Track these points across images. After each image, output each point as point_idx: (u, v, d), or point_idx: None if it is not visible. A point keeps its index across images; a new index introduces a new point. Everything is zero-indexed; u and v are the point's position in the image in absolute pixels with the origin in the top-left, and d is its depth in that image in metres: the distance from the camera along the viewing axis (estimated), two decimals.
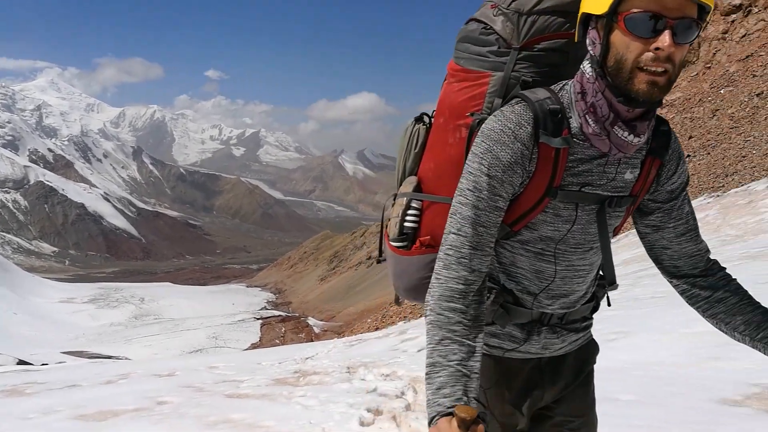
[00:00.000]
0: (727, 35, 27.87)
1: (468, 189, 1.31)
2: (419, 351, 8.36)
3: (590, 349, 1.66)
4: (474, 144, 1.33)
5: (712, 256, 1.52)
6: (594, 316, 1.64)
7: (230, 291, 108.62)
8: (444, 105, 1.53)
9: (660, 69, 1.16)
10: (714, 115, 20.92)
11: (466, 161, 1.34)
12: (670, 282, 1.56)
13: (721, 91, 22.32)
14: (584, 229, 1.41)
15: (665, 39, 1.13)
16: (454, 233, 1.31)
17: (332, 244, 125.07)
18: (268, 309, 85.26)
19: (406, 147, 1.67)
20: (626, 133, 1.26)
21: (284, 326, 64.67)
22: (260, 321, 68.55)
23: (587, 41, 1.28)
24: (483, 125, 1.33)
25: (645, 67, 1.16)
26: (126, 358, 38.81)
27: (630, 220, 1.55)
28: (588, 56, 1.29)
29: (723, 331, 1.46)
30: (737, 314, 1.42)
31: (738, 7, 28.06)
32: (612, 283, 1.56)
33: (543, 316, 1.51)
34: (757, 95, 19.92)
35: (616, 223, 1.47)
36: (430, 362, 1.23)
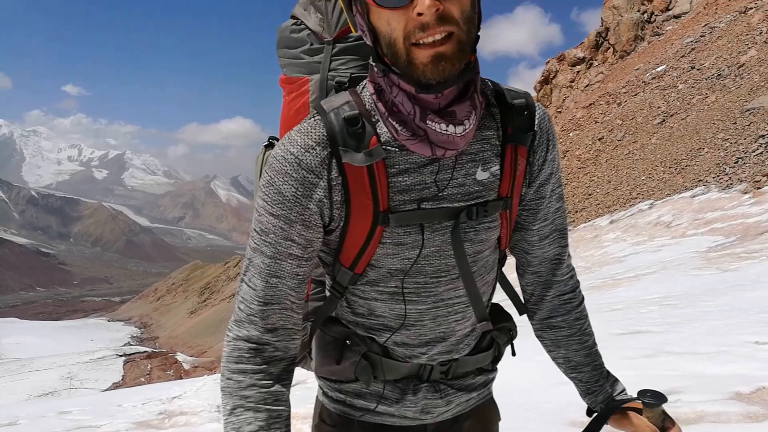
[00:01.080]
0: (573, 84, 31.17)
1: (255, 230, 1.08)
2: (296, 384, 8.24)
3: (489, 413, 1.36)
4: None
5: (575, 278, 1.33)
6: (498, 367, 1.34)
7: (88, 326, 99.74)
8: (280, 124, 1.33)
9: (438, 36, 0.91)
10: (565, 156, 23.11)
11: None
12: (521, 287, 1.35)
13: (570, 135, 24.75)
14: (441, 252, 1.12)
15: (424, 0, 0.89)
16: (245, 283, 1.09)
17: (203, 274, 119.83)
18: (132, 345, 79.27)
19: (258, 178, 1.40)
20: (444, 125, 0.99)
21: (150, 363, 60.37)
22: (123, 358, 63.39)
23: (358, 30, 1.05)
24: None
25: (419, 41, 0.92)
26: None
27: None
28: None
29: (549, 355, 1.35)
30: (561, 347, 1.30)
31: (582, 60, 31.54)
32: (482, 320, 1.20)
33: (421, 370, 1.21)
34: (599, 139, 22.32)
35: (494, 235, 1.16)
36: None
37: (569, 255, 1.31)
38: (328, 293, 1.23)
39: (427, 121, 0.99)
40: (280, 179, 1.04)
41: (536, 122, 1.15)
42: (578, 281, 1.34)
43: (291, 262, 1.07)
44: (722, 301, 6.40)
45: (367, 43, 1.02)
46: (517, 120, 1.11)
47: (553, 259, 1.28)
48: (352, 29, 1.06)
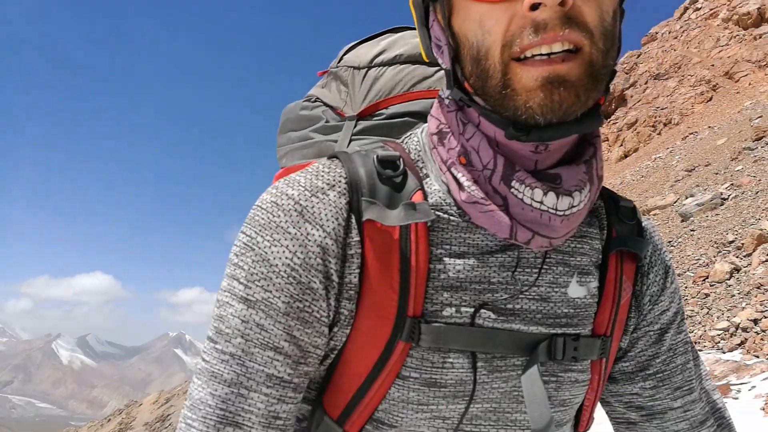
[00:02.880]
0: None
1: (210, 337, 0.66)
2: None
3: None
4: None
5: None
6: None
7: None
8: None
9: (558, 47, 0.57)
10: None
11: None
12: None
13: None
14: (499, 411, 0.70)
15: None
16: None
17: None
18: None
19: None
20: (540, 192, 0.63)
21: None
22: None
23: (434, 51, 0.71)
24: None
25: (527, 53, 0.58)
26: None
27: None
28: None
29: None
30: None
31: None
32: None
33: None
34: None
35: (578, 398, 0.75)
36: None
37: None
38: None
39: (513, 182, 0.64)
40: (267, 238, 0.65)
41: (646, 231, 0.80)
42: None
43: (268, 392, 0.64)
44: None
45: (442, 64, 0.69)
46: (622, 226, 0.77)
47: None
48: (423, 54, 0.74)
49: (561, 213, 0.63)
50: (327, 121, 0.94)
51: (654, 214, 12.48)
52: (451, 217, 0.68)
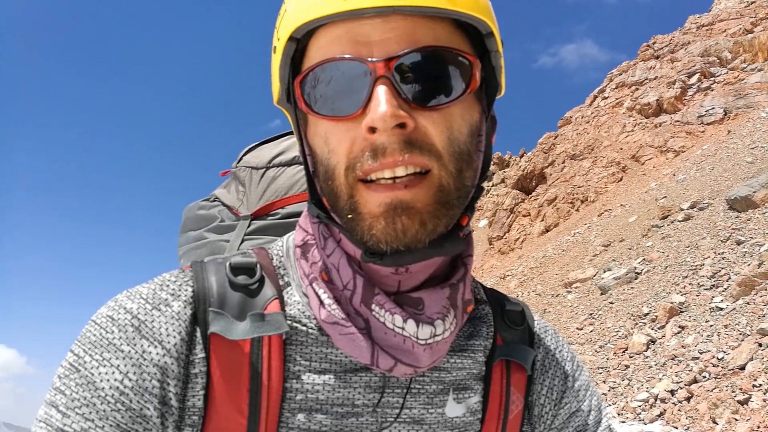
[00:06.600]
0: None
1: None
2: None
3: None
4: None
5: None
6: None
7: None
8: None
9: (401, 171, 0.56)
10: None
11: None
12: None
13: None
14: None
15: (378, 101, 0.54)
16: None
17: None
18: None
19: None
20: (400, 318, 0.61)
21: None
22: None
23: (300, 156, 0.71)
24: None
25: (369, 176, 0.57)
26: None
27: None
28: None
29: None
30: None
31: None
32: None
33: None
34: None
35: None
36: None
37: None
38: None
39: (373, 306, 0.61)
40: (96, 357, 0.59)
41: (535, 338, 0.77)
42: None
43: None
44: None
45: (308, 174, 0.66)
46: (509, 332, 0.74)
47: None
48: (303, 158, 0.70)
49: (423, 341, 0.60)
50: (222, 221, 0.95)
51: (575, 287, 13.09)
52: (311, 330, 0.64)
